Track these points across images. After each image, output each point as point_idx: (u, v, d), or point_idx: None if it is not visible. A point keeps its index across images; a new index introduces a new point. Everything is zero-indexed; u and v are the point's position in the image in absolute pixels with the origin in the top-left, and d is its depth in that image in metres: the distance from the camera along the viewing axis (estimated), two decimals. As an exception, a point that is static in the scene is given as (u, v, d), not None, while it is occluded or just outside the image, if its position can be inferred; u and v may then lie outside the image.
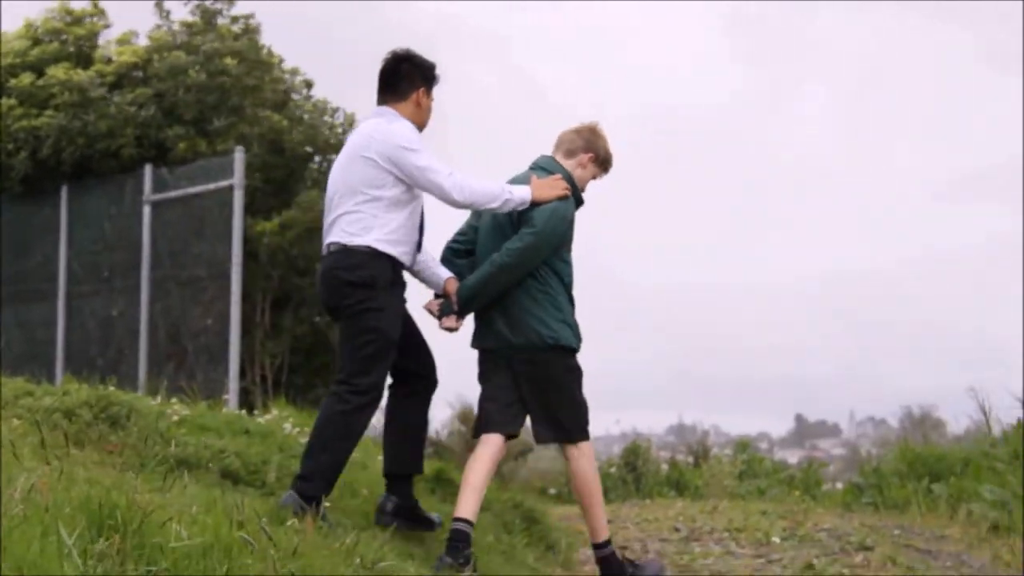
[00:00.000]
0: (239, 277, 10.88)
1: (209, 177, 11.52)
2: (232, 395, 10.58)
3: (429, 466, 7.42)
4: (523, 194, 5.73)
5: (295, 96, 15.69)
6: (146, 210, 11.98)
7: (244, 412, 8.53)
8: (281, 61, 15.55)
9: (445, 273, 5.90)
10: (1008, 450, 8.88)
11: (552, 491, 16.50)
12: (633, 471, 17.00)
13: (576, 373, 5.85)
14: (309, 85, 15.86)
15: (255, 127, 14.22)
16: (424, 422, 5.85)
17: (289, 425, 7.26)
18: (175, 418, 6.32)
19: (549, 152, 6.13)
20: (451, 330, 5.81)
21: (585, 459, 5.82)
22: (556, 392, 5.77)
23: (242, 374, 12.14)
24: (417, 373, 5.70)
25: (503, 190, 5.68)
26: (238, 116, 14.27)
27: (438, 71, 5.85)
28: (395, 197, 5.53)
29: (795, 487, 13.08)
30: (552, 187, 5.81)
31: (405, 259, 5.58)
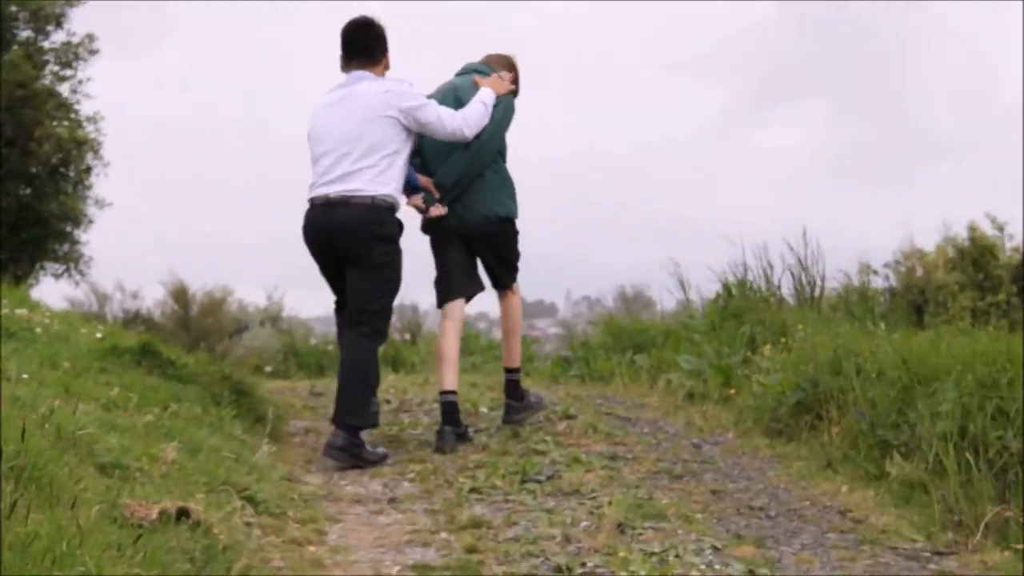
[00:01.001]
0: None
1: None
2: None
3: (136, 339, 7.28)
4: (492, 98, 6.94)
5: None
6: None
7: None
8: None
9: (412, 174, 6.89)
10: (705, 322, 9.28)
11: (268, 369, 16.38)
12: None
13: (517, 235, 7.27)
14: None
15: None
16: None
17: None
18: None
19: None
20: (440, 216, 6.95)
21: (518, 296, 7.36)
22: (506, 253, 7.23)
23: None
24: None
25: (484, 106, 6.86)
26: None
27: None
28: (406, 151, 6.64)
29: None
30: (503, 84, 7.11)
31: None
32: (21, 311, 7.10)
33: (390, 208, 6.51)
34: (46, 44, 14.87)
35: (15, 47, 13.99)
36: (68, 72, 15.02)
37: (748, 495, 5.77)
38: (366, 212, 6.40)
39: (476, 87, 7.05)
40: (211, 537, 4.02)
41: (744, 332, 8.50)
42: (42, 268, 15.52)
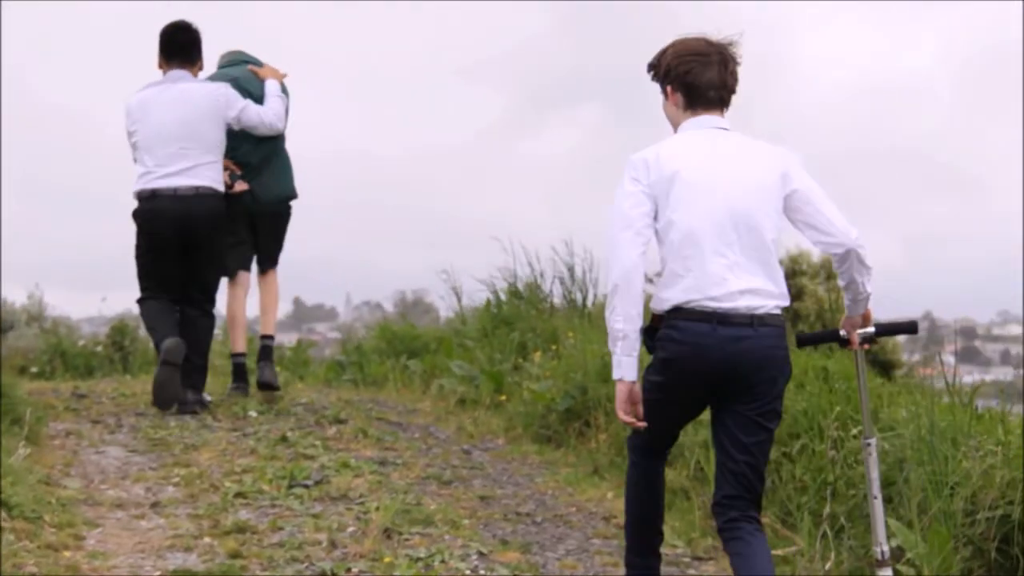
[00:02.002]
0: None
1: None
2: None
3: None
4: (279, 87, 7.70)
5: None
6: None
7: None
8: None
9: None
10: (478, 328, 9.33)
11: (34, 370, 15.81)
12: (120, 350, 16.60)
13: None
14: None
15: None
16: None
17: None
18: None
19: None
20: (243, 191, 7.56)
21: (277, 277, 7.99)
22: (284, 231, 7.97)
23: None
24: None
25: (280, 98, 7.63)
26: None
27: None
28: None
29: (284, 366, 13.17)
30: (277, 72, 7.81)
31: None
32: None
33: (223, 197, 7.41)
34: None
35: None
36: None
37: (516, 501, 5.84)
38: (216, 204, 7.31)
39: (256, 77, 7.70)
40: (-43, 543, 3.88)
41: (514, 339, 8.58)
42: None
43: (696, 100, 4.12)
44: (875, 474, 4.11)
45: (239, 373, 7.92)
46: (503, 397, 7.86)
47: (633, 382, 3.94)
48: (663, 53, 4.18)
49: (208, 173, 7.27)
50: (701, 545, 5.20)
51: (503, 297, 9.61)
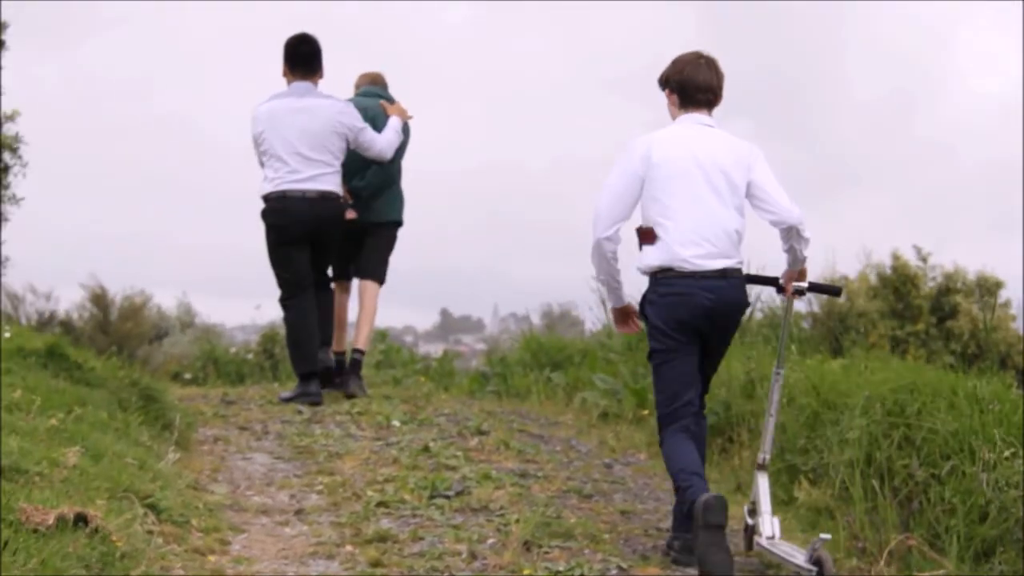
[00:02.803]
0: None
1: None
2: None
3: (42, 339, 7.17)
4: (400, 124, 8.47)
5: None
6: None
7: None
8: None
9: None
10: (622, 341, 9.29)
11: (187, 376, 16.18)
12: (270, 358, 16.88)
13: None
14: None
15: None
16: None
17: None
18: None
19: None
20: (352, 218, 8.37)
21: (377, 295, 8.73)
22: (386, 252, 8.75)
23: None
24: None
25: (397, 134, 8.38)
26: None
27: None
28: None
29: (429, 377, 13.27)
30: (405, 112, 8.57)
31: None
32: (-74, 309, 6.98)
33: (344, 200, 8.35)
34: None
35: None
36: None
37: (656, 516, 5.79)
38: (337, 207, 8.21)
39: (384, 111, 8.52)
40: (109, 544, 3.97)
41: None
42: (-45, 268, 15.21)
43: (688, 101, 5.36)
44: (776, 396, 5.17)
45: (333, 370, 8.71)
46: (646, 412, 7.81)
47: (625, 304, 5.47)
48: (667, 67, 5.43)
49: (331, 179, 8.12)
50: (846, 566, 5.09)
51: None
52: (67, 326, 18.26)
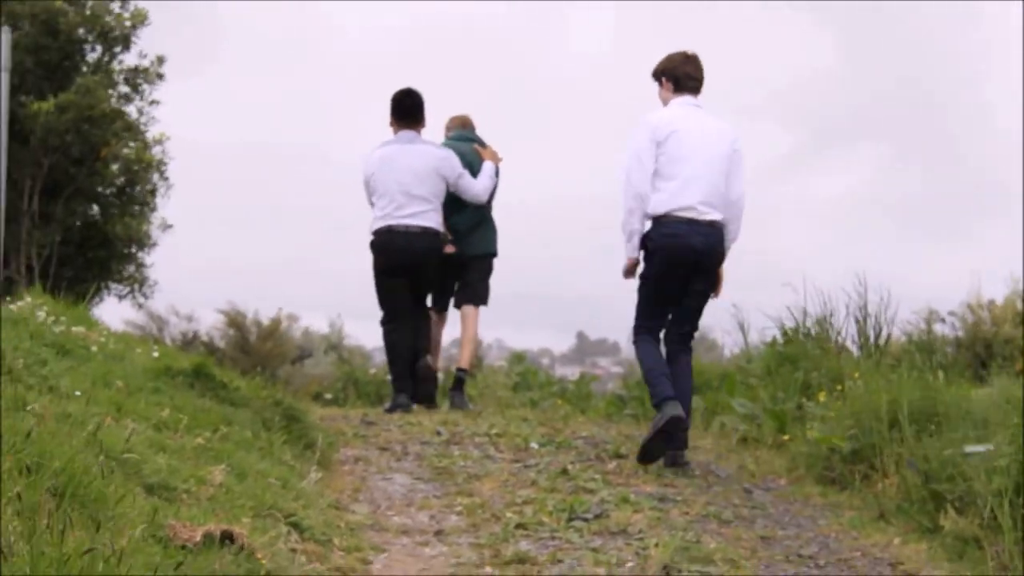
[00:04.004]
0: (4, 161, 10.48)
1: (-27, 55, 11.03)
2: (-6, 283, 10.26)
3: (189, 360, 7.32)
4: (494, 169, 9.53)
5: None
6: (-92, 87, 11.41)
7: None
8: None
9: None
10: (761, 366, 9.19)
11: (328, 396, 16.41)
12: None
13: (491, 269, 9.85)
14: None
15: (27, 5, 13.51)
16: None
17: (43, 313, 7.03)
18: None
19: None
20: (451, 252, 9.38)
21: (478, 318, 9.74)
22: (483, 278, 9.76)
23: (6, 263, 11.74)
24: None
25: (491, 179, 9.45)
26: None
27: None
28: None
29: (567, 400, 13.28)
30: (497, 157, 9.63)
31: None
32: (78, 329, 7.15)
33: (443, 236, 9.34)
34: (115, 66, 14.97)
35: (84, 68, 14.09)
36: (136, 94, 15.12)
37: (798, 543, 5.70)
38: (435, 241, 9.21)
39: (478, 155, 9.56)
40: (254, 562, 4.02)
41: (798, 378, 8.40)
42: (106, 288, 15.65)
43: (680, 87, 7.33)
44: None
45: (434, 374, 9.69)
46: (786, 437, 7.72)
47: (636, 256, 7.23)
48: (661, 62, 7.38)
49: (432, 217, 9.15)
50: (994, 598, 4.97)
51: (790, 335, 9.42)
52: (209, 347, 18.65)
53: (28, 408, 4.08)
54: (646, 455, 6.95)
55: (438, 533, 5.54)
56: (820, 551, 5.56)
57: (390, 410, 9.08)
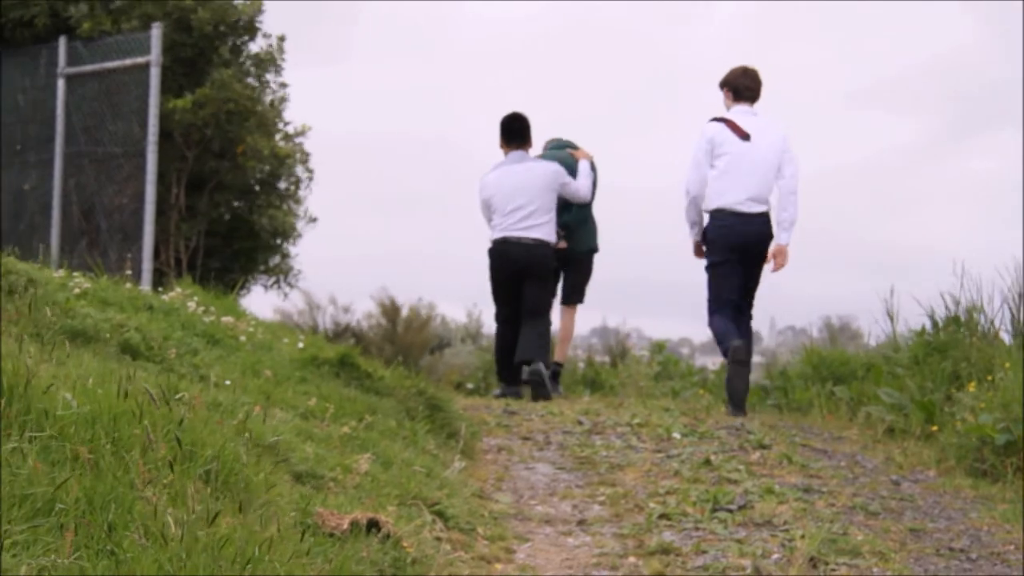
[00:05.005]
0: (154, 157, 10.74)
1: (124, 53, 11.32)
2: (146, 275, 10.53)
3: (335, 350, 7.42)
4: (590, 167, 10.31)
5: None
6: (60, 83, 11.75)
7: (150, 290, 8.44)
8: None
9: None
10: (909, 355, 8.98)
11: (470, 385, 16.50)
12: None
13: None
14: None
15: (159, 4, 13.79)
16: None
17: (193, 303, 7.19)
18: (76, 291, 6.24)
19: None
20: (563, 248, 10.24)
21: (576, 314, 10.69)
22: (585, 274, 10.62)
23: (156, 255, 12.01)
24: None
25: (589, 177, 10.23)
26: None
27: None
28: None
29: (708, 389, 13.17)
30: (587, 153, 10.42)
31: None
32: (227, 319, 7.30)
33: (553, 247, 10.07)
34: (244, 57, 15.17)
35: (216, 63, 14.29)
36: (260, 84, 15.29)
37: (948, 536, 5.58)
38: (546, 251, 9.91)
39: (573, 158, 10.33)
40: (400, 550, 4.06)
41: (946, 368, 8.21)
42: (253, 279, 15.93)
43: (739, 96, 8.71)
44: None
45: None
46: (935, 428, 7.56)
47: (700, 239, 8.77)
48: (727, 75, 8.72)
49: (545, 228, 9.85)
50: None
51: (940, 323, 9.16)
52: (359, 336, 18.87)
53: (179, 396, 4.16)
54: (732, 390, 8.60)
55: (581, 523, 5.54)
56: (972, 544, 5.44)
57: (499, 395, 9.97)
